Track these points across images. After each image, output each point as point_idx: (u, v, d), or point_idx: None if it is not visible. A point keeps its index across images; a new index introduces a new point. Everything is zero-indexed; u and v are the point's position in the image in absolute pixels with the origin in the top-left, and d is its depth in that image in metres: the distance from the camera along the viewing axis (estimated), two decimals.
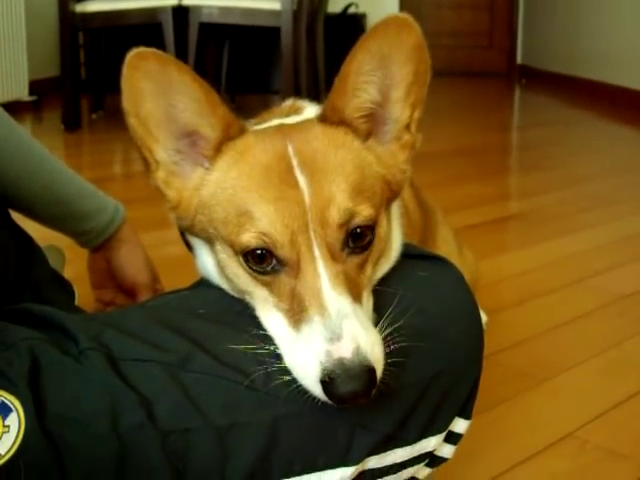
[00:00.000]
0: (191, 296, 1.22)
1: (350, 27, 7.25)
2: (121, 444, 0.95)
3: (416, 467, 1.15)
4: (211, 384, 1.01)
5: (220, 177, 1.07)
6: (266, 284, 1.03)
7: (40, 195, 1.56)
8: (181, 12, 5.33)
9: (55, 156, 1.61)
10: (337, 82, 1.09)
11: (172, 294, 1.26)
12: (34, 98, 6.10)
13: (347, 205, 1.02)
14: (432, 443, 1.14)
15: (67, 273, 1.76)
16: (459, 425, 1.18)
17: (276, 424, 1.02)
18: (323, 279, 0.99)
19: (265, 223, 1.00)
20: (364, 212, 1.03)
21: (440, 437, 1.15)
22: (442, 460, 1.20)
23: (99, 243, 1.69)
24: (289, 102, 1.31)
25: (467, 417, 1.19)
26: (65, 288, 1.67)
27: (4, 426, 0.93)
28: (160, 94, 1.03)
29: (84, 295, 1.81)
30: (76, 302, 1.74)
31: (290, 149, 1.05)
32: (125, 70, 1.02)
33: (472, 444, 1.50)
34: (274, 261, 1.01)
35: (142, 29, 6.09)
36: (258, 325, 1.06)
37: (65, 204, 1.61)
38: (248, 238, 1.00)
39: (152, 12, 5.35)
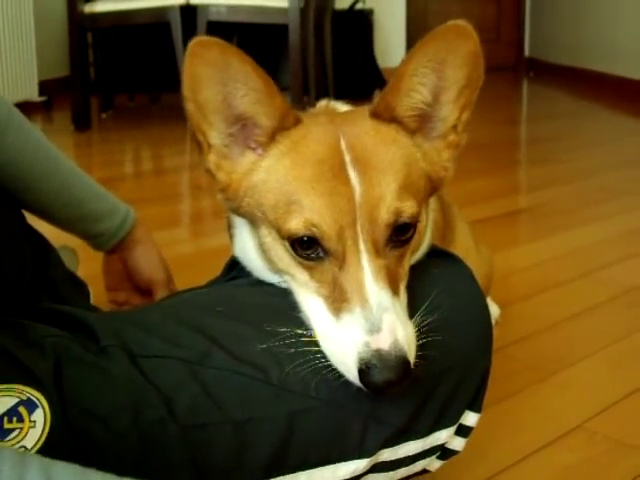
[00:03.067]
0: (208, 294, 1.26)
1: (357, 23, 7.25)
2: (143, 438, 0.99)
3: (428, 460, 1.18)
4: (229, 380, 1.05)
5: (272, 164, 1.10)
6: (309, 268, 1.07)
7: (55, 197, 1.58)
8: (189, 11, 5.36)
9: (67, 157, 1.63)
10: (392, 81, 1.12)
11: (188, 292, 1.29)
12: (44, 98, 6.13)
13: (395, 205, 1.05)
14: (443, 436, 1.17)
15: (80, 274, 1.79)
16: (469, 418, 1.21)
17: (292, 418, 1.05)
18: (366, 273, 1.03)
19: (315, 215, 1.03)
20: (410, 210, 1.06)
21: (451, 430, 1.18)
22: (453, 453, 1.23)
23: (114, 245, 1.72)
24: (323, 103, 1.33)
25: (477, 410, 1.22)
26: (80, 288, 1.69)
27: (30, 421, 0.96)
28: (219, 82, 1.06)
29: (97, 295, 1.84)
30: (91, 302, 1.76)
31: (343, 144, 1.08)
32: (187, 57, 1.04)
33: (482, 436, 1.51)
34: (319, 249, 1.05)
35: (150, 28, 6.13)
36: (275, 321, 1.10)
37: (78, 206, 1.63)
38: (297, 226, 1.04)
39: (160, 11, 5.38)
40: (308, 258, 1.06)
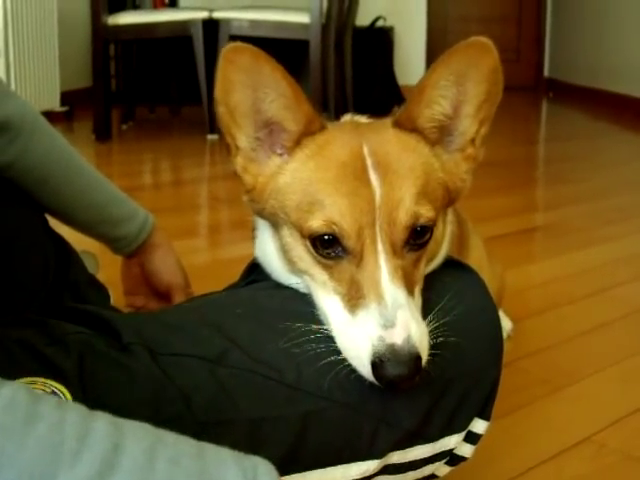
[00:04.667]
0: (228, 296, 1.29)
1: (378, 40, 7.29)
2: None
3: (437, 464, 1.20)
4: (246, 379, 1.07)
5: (298, 167, 1.14)
6: (327, 268, 1.10)
7: (77, 201, 1.62)
8: (211, 25, 5.41)
9: (88, 163, 1.67)
10: (415, 92, 1.16)
11: (208, 295, 1.32)
12: (66, 109, 6.20)
13: (414, 208, 1.09)
14: (452, 442, 1.19)
15: (99, 279, 1.82)
16: (478, 425, 1.23)
17: (305, 418, 1.07)
18: (383, 271, 1.06)
19: (336, 213, 1.07)
20: (427, 214, 1.10)
21: (460, 436, 1.20)
22: (462, 459, 1.24)
23: (134, 249, 1.75)
24: (347, 117, 1.37)
25: (486, 418, 1.23)
26: (101, 290, 1.72)
27: None
28: (250, 87, 1.10)
29: (116, 300, 1.86)
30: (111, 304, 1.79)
31: (366, 149, 1.11)
32: (220, 62, 1.08)
33: (492, 446, 1.53)
34: (339, 248, 1.08)
35: (172, 41, 6.20)
36: (292, 323, 1.12)
37: (100, 209, 1.66)
38: (318, 224, 1.08)
39: (183, 25, 5.44)
40: (328, 257, 1.09)
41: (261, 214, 1.21)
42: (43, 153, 1.52)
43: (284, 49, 6.38)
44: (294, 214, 1.12)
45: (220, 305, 1.23)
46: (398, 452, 1.14)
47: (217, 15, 5.43)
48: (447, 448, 1.20)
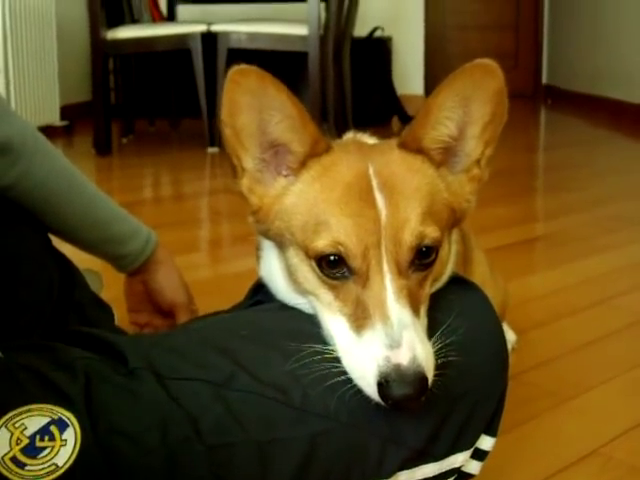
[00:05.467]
0: (233, 318, 1.30)
1: (376, 50, 7.30)
2: (170, 457, 1.02)
3: None
4: (253, 402, 1.08)
5: (303, 188, 1.15)
6: (333, 288, 1.11)
7: (80, 219, 1.62)
8: (210, 38, 5.42)
9: (89, 180, 1.67)
10: (420, 114, 1.17)
11: (213, 316, 1.32)
12: (65, 123, 6.21)
13: (419, 228, 1.10)
14: (459, 459, 1.19)
15: (103, 297, 1.82)
16: (485, 442, 1.23)
17: (313, 440, 1.08)
18: (389, 291, 1.07)
19: (342, 234, 1.08)
20: (432, 234, 1.11)
21: (467, 454, 1.20)
22: (469, 476, 1.25)
23: (137, 266, 1.75)
24: (349, 135, 1.37)
25: (493, 434, 1.24)
26: (105, 310, 1.72)
27: (62, 440, 0.99)
28: (256, 109, 1.11)
29: (120, 318, 1.86)
30: (115, 324, 1.79)
31: (371, 170, 1.13)
32: (226, 84, 1.09)
33: (499, 461, 1.53)
34: (345, 269, 1.09)
35: (171, 55, 6.20)
36: (298, 345, 1.13)
37: (103, 227, 1.66)
38: (324, 244, 1.08)
39: (181, 38, 5.45)
40: (333, 277, 1.10)
41: (267, 235, 1.21)
42: (45, 174, 1.52)
43: (283, 61, 6.41)
44: (300, 234, 1.12)
45: (225, 327, 1.23)
46: (406, 471, 1.15)
47: (215, 28, 5.43)
48: (454, 466, 1.20)
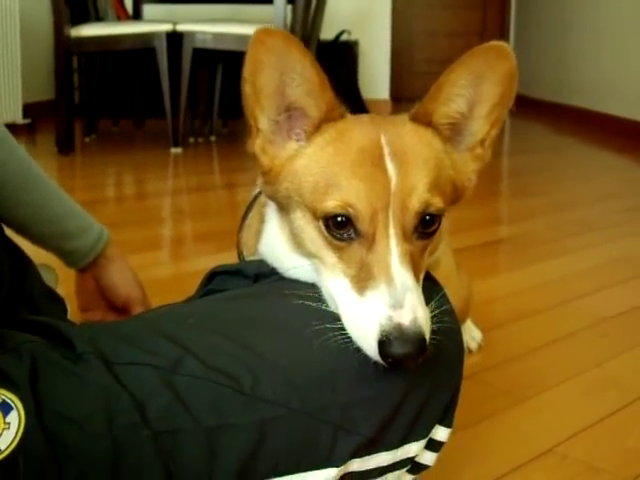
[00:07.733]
0: (183, 307, 1.30)
1: (342, 54, 7.32)
2: (116, 443, 1.00)
3: (398, 473, 1.19)
4: (201, 387, 1.06)
5: (316, 151, 1.16)
6: (338, 250, 1.12)
7: (34, 212, 1.59)
8: (175, 38, 5.40)
9: (47, 175, 1.64)
10: (433, 89, 1.20)
11: (165, 306, 1.31)
12: (28, 121, 6.14)
13: (426, 196, 1.12)
14: (413, 449, 1.19)
15: (59, 293, 1.79)
16: (440, 433, 1.23)
17: (262, 426, 1.06)
18: (394, 255, 1.09)
19: (352, 195, 1.09)
20: (438, 203, 1.13)
21: (421, 443, 1.20)
22: (424, 467, 1.24)
23: (88, 262, 1.72)
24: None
25: (448, 425, 1.23)
26: (58, 303, 1.69)
27: (5, 423, 0.97)
28: (278, 69, 1.13)
29: (73, 314, 1.83)
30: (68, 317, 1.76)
31: (383, 139, 1.14)
32: (252, 43, 1.11)
33: (455, 459, 1.54)
34: (351, 230, 1.11)
35: (136, 54, 6.16)
36: (248, 332, 1.13)
37: (57, 223, 1.64)
38: (334, 205, 1.10)
39: (146, 37, 5.42)
40: (340, 238, 1.11)
41: (274, 197, 1.23)
42: (2, 159, 1.49)
43: None
44: (309, 196, 1.14)
45: (174, 315, 1.23)
46: (358, 460, 1.14)
47: (181, 28, 5.42)
48: (408, 456, 1.19)
